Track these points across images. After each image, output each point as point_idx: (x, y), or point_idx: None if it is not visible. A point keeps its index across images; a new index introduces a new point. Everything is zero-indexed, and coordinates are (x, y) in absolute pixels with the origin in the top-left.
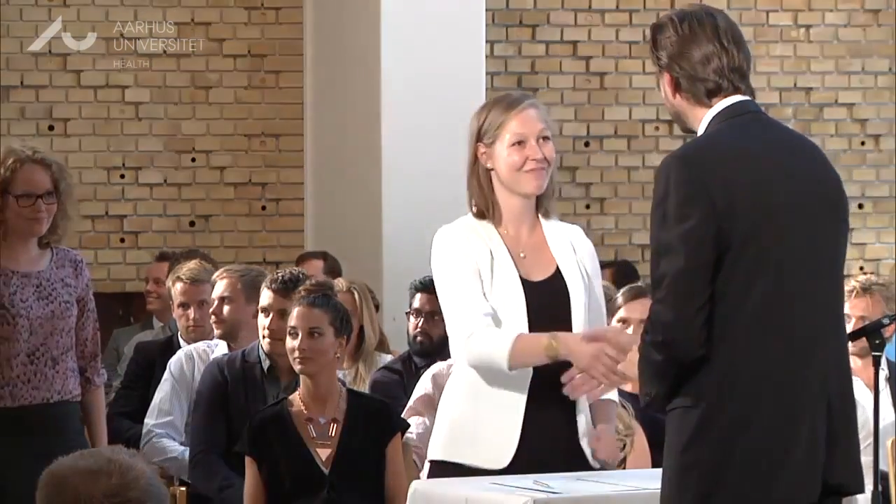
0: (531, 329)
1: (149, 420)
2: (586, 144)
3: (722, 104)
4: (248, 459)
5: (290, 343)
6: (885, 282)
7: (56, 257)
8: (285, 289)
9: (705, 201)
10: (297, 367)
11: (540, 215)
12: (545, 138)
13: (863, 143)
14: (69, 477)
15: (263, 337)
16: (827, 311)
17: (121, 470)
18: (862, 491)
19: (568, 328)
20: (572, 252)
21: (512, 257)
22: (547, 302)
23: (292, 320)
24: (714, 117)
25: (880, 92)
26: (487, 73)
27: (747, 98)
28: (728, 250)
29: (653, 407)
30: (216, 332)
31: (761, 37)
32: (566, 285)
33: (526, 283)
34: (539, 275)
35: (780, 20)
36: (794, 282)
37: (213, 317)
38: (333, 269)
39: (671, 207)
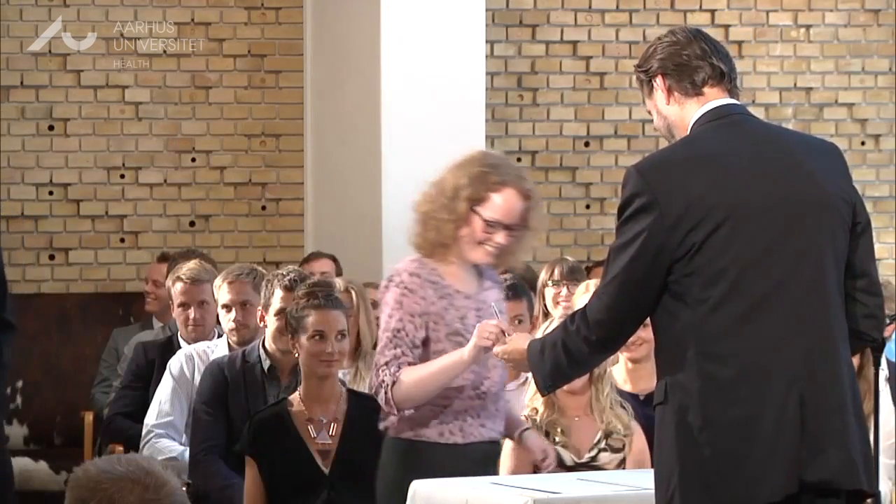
0: None
1: (149, 420)
2: (586, 144)
3: (710, 104)
4: (248, 459)
5: (316, 347)
6: (885, 282)
7: (486, 277)
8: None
9: (654, 214)
10: (323, 371)
11: None
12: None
13: (863, 143)
14: (103, 481)
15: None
16: (802, 308)
17: (156, 484)
18: (861, 486)
19: None
20: None
21: None
22: None
23: (317, 325)
24: (699, 118)
25: (880, 92)
26: (487, 73)
27: (733, 101)
28: (684, 256)
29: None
30: (234, 337)
31: (761, 37)
32: None
33: None
34: None
35: (780, 20)
36: (759, 282)
37: (232, 323)
38: (340, 272)
39: (625, 216)
